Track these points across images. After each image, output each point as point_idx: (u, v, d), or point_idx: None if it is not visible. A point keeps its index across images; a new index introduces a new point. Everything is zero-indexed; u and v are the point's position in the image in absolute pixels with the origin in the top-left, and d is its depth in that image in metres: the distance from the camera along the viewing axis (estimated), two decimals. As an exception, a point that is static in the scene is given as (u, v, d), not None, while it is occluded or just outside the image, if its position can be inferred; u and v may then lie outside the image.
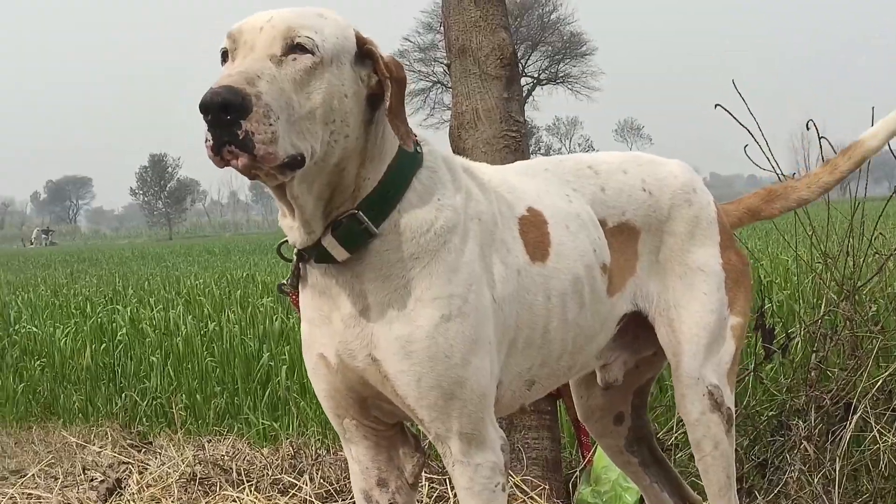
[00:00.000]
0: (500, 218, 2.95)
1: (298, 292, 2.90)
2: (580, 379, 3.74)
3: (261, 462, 5.75)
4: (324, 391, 2.93)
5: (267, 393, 8.60)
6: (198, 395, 8.82)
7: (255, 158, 2.38)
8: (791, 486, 4.59)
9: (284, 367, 8.76)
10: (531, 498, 4.67)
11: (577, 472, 5.05)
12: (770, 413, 5.11)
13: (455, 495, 4.76)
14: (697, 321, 3.33)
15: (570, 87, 70.99)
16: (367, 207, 2.69)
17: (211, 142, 2.38)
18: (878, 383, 4.72)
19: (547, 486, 4.79)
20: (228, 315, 11.84)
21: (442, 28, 5.27)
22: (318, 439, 6.46)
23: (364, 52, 2.65)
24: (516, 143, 4.82)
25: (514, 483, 4.71)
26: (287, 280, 2.88)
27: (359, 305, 2.73)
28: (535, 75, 68.99)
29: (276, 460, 5.72)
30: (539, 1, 68.75)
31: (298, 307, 2.92)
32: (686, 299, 3.34)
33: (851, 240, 5.10)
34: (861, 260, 5.12)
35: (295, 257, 2.81)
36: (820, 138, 4.82)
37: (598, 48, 72.60)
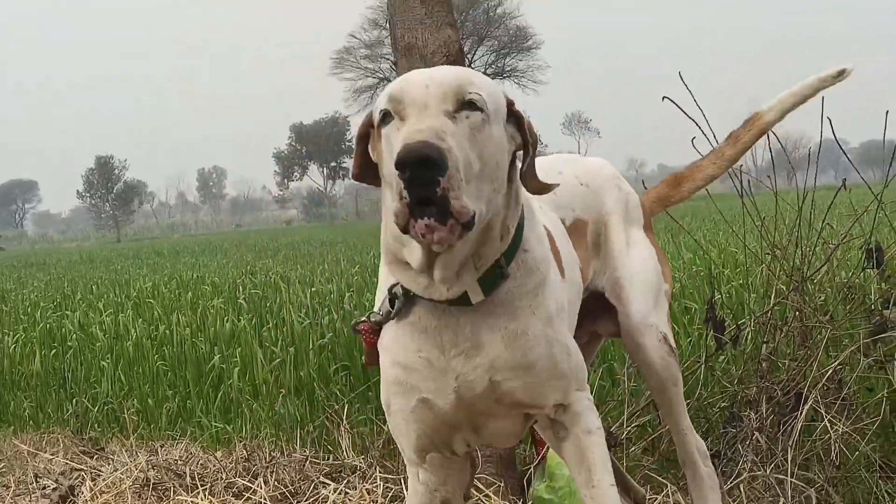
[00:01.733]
0: None
1: (378, 333, 2.83)
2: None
3: (214, 466, 5.71)
4: (418, 431, 2.85)
5: (219, 395, 8.55)
6: (149, 399, 8.76)
7: (450, 228, 2.30)
8: (744, 478, 4.62)
9: (236, 368, 8.71)
10: (486, 496, 4.67)
11: (532, 469, 5.06)
12: (722, 404, 5.14)
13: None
14: (641, 277, 3.52)
15: (516, 81, 71.11)
16: (506, 254, 2.68)
17: (407, 199, 2.27)
18: (828, 373, 4.75)
19: (502, 484, 4.79)
20: (179, 317, 11.76)
21: (388, 25, 5.26)
22: (272, 441, 6.42)
23: (511, 112, 2.63)
24: (464, 140, 4.80)
25: (470, 481, 4.71)
26: (380, 315, 2.78)
27: (476, 338, 2.69)
28: (482, 70, 68.96)
29: (230, 463, 5.68)
30: (484, -5, 68.88)
31: (371, 346, 2.85)
32: (630, 261, 3.52)
33: (800, 230, 5.14)
34: (809, 250, 5.16)
35: (401, 298, 2.71)
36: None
37: (544, 42, 72.79)
